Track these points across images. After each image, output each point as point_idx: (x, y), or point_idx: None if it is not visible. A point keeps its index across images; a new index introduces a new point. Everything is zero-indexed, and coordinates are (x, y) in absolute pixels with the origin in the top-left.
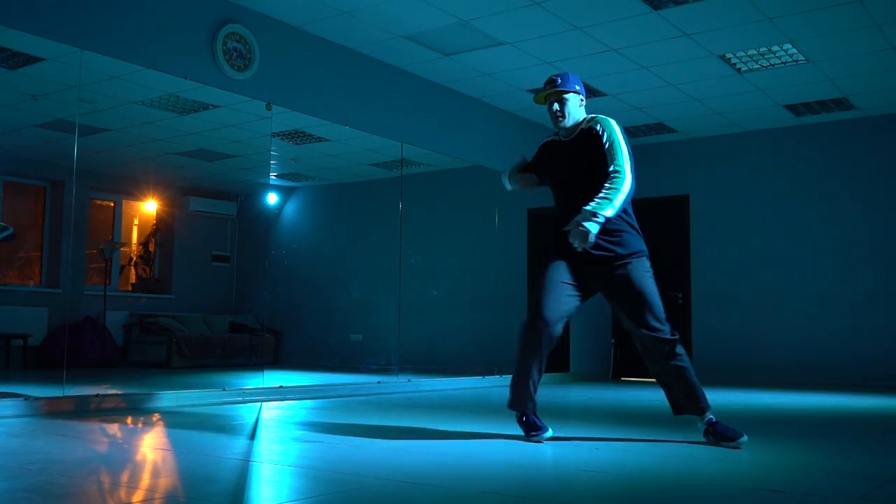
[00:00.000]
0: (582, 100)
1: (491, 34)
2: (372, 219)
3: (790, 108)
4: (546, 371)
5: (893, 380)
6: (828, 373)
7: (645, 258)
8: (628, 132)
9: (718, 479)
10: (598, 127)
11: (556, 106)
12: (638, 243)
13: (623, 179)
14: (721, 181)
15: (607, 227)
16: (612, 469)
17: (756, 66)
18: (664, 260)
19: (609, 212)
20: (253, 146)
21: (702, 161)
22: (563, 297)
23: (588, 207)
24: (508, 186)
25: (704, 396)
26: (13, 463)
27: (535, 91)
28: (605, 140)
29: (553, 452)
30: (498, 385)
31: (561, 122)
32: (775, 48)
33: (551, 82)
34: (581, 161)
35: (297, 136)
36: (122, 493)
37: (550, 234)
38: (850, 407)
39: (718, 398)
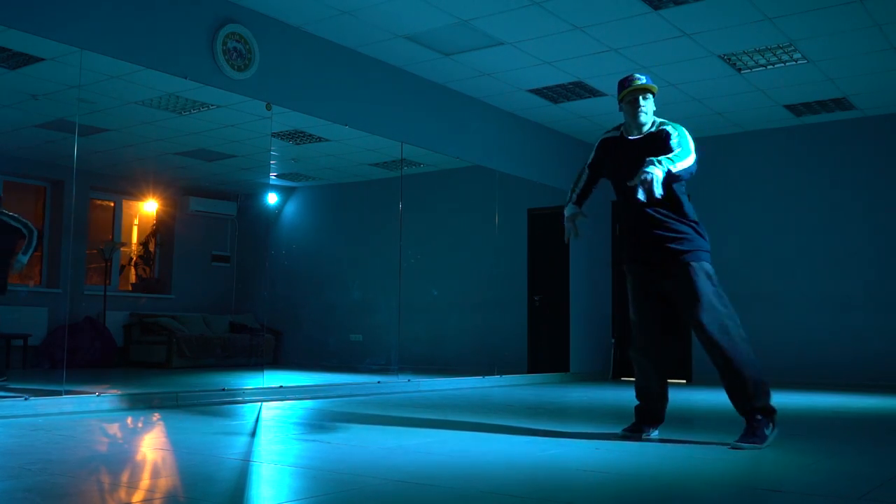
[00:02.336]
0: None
1: (491, 34)
2: (372, 219)
3: (790, 108)
4: (549, 371)
5: (893, 380)
6: (828, 373)
7: (703, 262)
8: None
9: (718, 479)
10: (669, 128)
11: (642, 99)
12: (699, 244)
13: (687, 153)
14: (721, 181)
15: (671, 228)
16: (612, 469)
17: (756, 66)
18: None
19: (671, 167)
20: (253, 146)
21: (702, 161)
22: (651, 321)
23: (651, 159)
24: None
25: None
26: (13, 463)
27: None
28: (673, 136)
29: (553, 452)
30: (498, 385)
31: (642, 116)
32: (775, 48)
33: (635, 80)
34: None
35: (297, 136)
36: (122, 493)
37: (623, 241)
38: (850, 407)
39: (718, 398)
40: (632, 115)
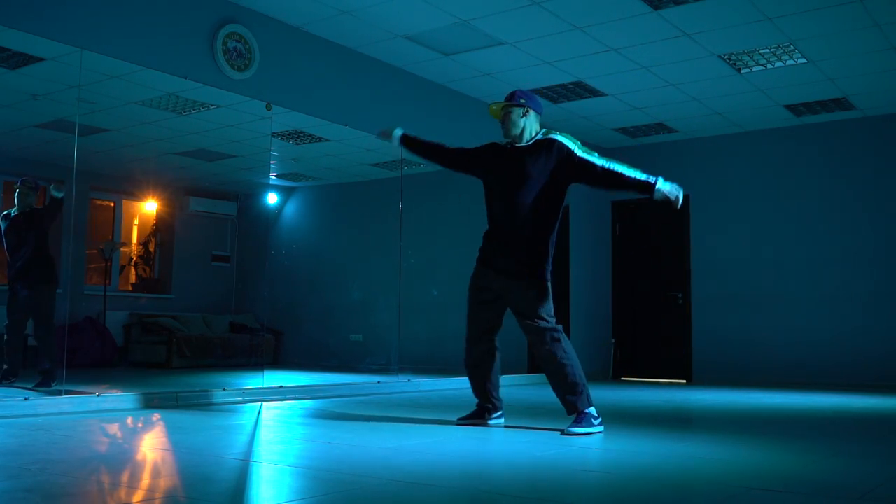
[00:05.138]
0: (525, 111)
1: (491, 34)
2: (372, 219)
3: (790, 108)
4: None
5: (893, 380)
6: (828, 373)
7: (544, 280)
8: (628, 132)
9: (718, 479)
10: (567, 142)
11: (504, 116)
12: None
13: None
14: (721, 181)
15: (532, 238)
16: (612, 469)
17: (756, 66)
18: (664, 260)
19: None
20: (253, 146)
21: (702, 161)
22: (481, 335)
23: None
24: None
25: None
26: (13, 463)
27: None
28: (577, 152)
29: (553, 452)
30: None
31: (509, 130)
32: (775, 48)
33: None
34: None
35: (297, 136)
36: (122, 493)
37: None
38: (850, 407)
39: (718, 398)
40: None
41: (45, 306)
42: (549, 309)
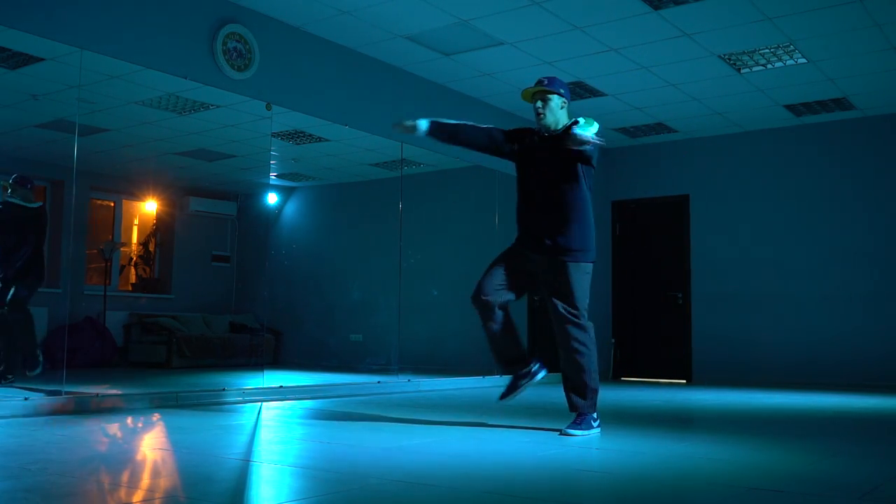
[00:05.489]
0: (564, 102)
1: (491, 34)
2: (372, 219)
3: (790, 108)
4: (549, 371)
5: (894, 380)
6: (828, 373)
7: (587, 262)
8: (628, 132)
9: (718, 479)
10: (580, 118)
11: (539, 102)
12: (585, 243)
13: (591, 124)
14: (721, 181)
15: (564, 220)
16: (612, 469)
17: (756, 66)
18: (664, 260)
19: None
20: (253, 146)
21: (702, 161)
22: (499, 275)
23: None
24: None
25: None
26: (13, 463)
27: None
28: (580, 121)
29: (553, 452)
30: (498, 385)
31: (542, 119)
32: (775, 48)
33: (538, 83)
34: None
35: (297, 136)
36: (122, 493)
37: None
38: (850, 407)
39: (717, 398)
40: (535, 117)
41: (23, 297)
42: (583, 297)
